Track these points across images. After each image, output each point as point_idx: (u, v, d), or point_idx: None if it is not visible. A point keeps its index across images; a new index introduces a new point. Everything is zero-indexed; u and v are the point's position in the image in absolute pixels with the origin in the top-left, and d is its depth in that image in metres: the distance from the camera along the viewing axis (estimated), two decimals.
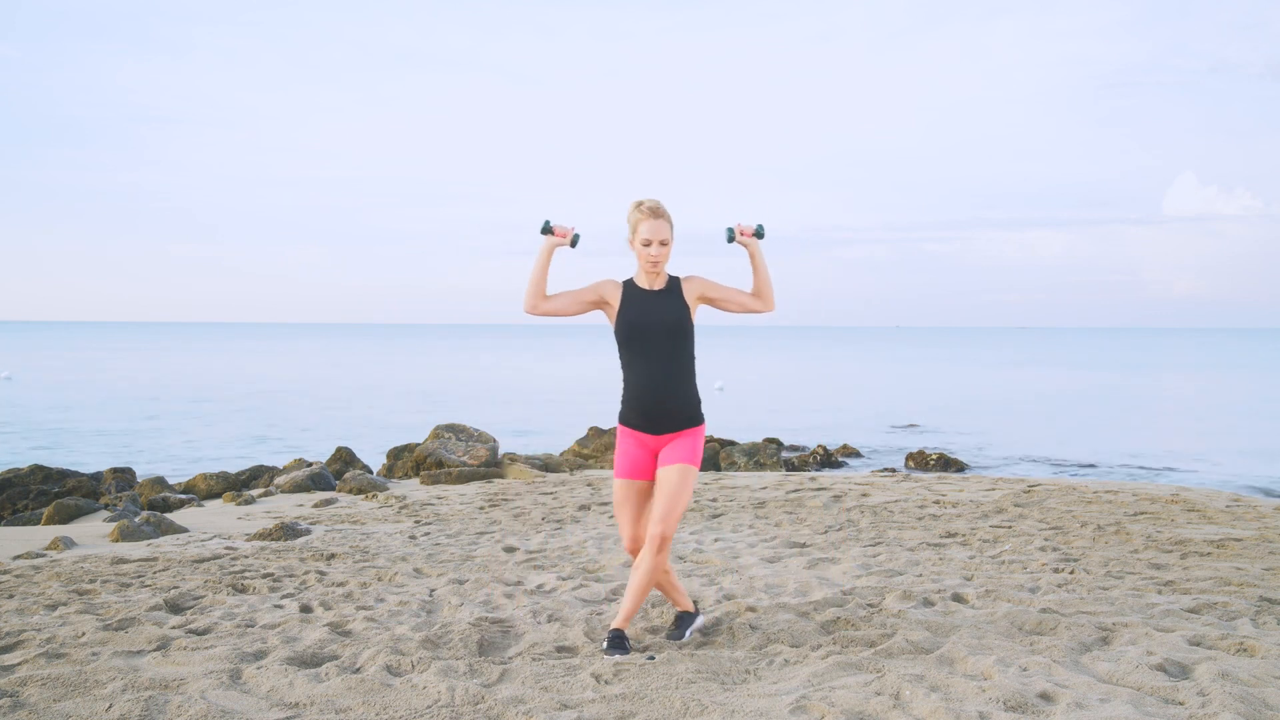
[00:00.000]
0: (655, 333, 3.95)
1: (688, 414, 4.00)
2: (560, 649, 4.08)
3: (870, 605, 4.72)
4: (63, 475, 10.43)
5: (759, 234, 4.09)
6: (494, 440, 12.13)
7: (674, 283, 4.05)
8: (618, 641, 3.95)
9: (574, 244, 4.07)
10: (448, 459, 11.20)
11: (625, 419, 4.06)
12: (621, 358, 4.03)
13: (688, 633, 4.24)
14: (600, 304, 4.04)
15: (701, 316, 4.19)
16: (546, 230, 4.02)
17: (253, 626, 4.48)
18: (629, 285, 4.04)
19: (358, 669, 3.79)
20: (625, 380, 4.05)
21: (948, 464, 14.63)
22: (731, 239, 4.11)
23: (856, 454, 16.37)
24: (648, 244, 3.93)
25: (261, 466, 11.90)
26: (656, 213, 3.93)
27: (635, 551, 4.11)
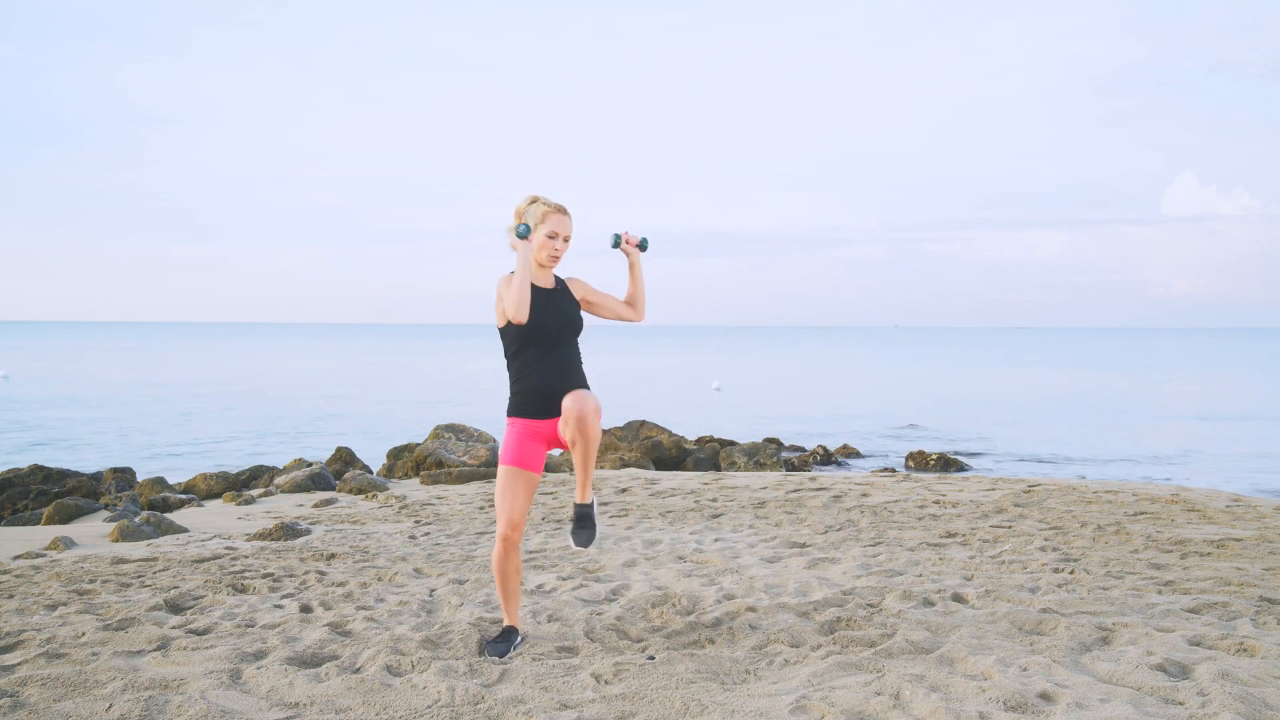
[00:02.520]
0: (558, 329, 3.99)
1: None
2: (560, 649, 4.07)
3: (870, 605, 4.72)
4: (63, 475, 10.43)
5: (643, 246, 4.23)
6: (494, 440, 12.13)
7: (561, 283, 4.13)
8: (587, 517, 3.94)
9: None
10: (448, 459, 11.20)
11: (521, 411, 3.98)
12: (517, 352, 3.97)
13: (510, 651, 4.04)
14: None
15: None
16: (525, 234, 3.89)
17: (253, 626, 4.48)
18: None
19: (358, 669, 3.79)
20: (521, 376, 3.97)
21: (948, 464, 14.63)
22: (616, 245, 4.20)
23: (856, 454, 16.38)
24: (554, 237, 3.96)
25: (261, 466, 11.90)
26: (564, 210, 4.01)
27: (511, 539, 3.95)
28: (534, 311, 3.94)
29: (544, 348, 3.96)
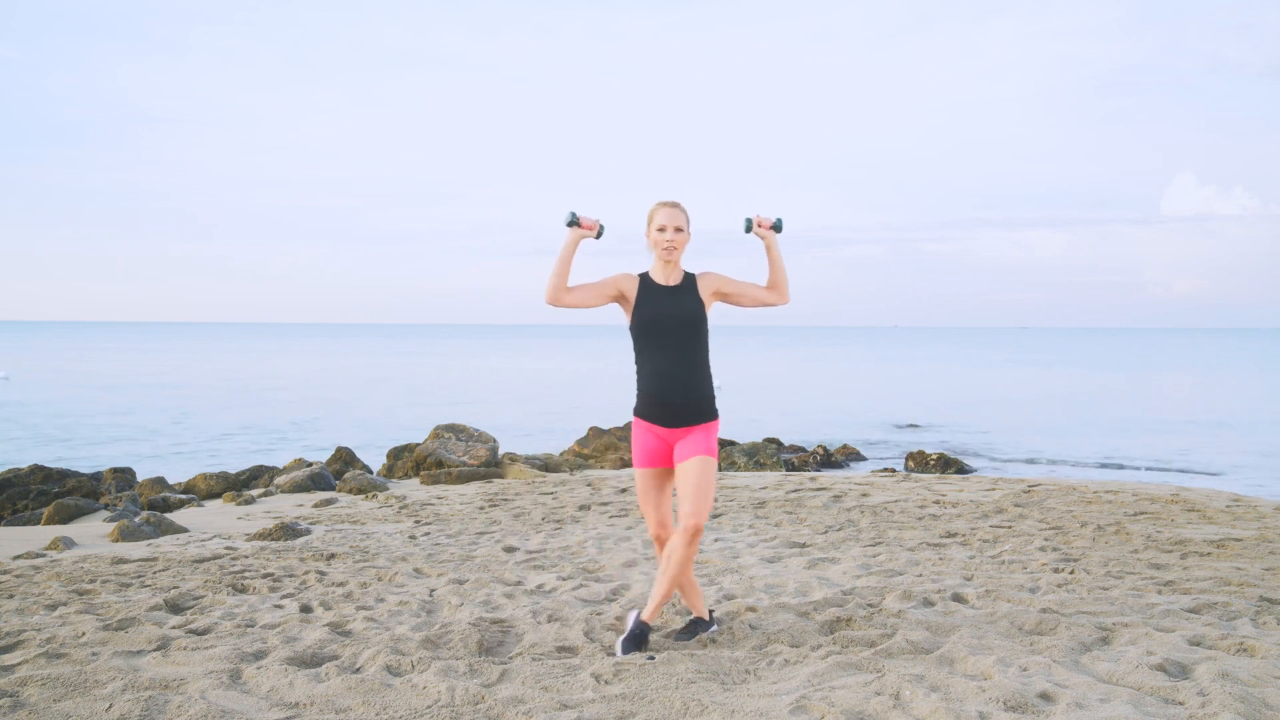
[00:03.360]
0: (670, 327, 4.02)
1: (702, 408, 4.06)
2: (560, 649, 4.07)
3: (870, 605, 4.72)
4: (63, 475, 10.43)
5: (777, 227, 4.15)
6: (494, 440, 12.13)
7: (689, 279, 4.12)
8: (641, 636, 3.99)
9: (599, 235, 4.12)
10: (448, 459, 11.20)
11: (640, 412, 4.12)
12: (636, 352, 4.10)
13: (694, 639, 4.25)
14: (618, 298, 4.10)
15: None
16: (573, 223, 4.04)
17: (253, 626, 4.48)
18: (645, 279, 4.11)
19: (358, 669, 3.79)
20: (640, 374, 4.10)
21: (948, 464, 14.62)
22: (749, 230, 4.15)
23: (856, 454, 16.37)
24: (663, 229, 4.01)
25: (261, 466, 11.90)
26: (672, 203, 4.06)
27: (661, 538, 4.15)
28: (644, 308, 4.03)
29: (657, 347, 4.02)
